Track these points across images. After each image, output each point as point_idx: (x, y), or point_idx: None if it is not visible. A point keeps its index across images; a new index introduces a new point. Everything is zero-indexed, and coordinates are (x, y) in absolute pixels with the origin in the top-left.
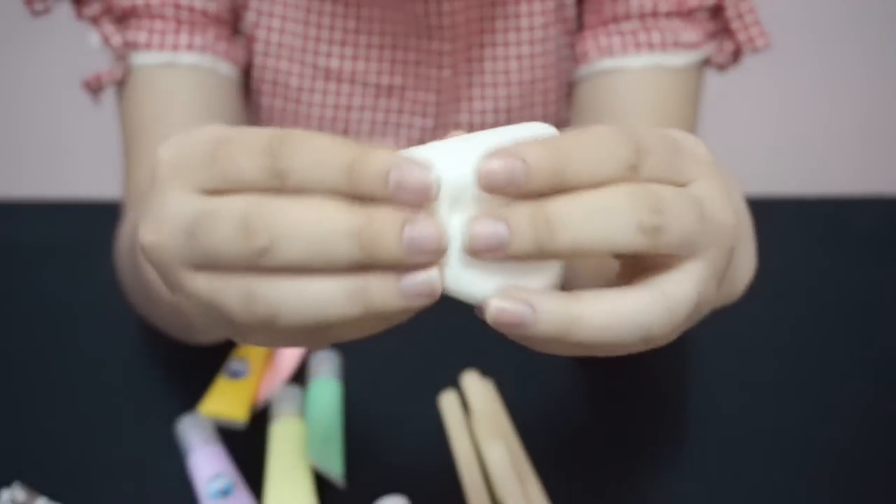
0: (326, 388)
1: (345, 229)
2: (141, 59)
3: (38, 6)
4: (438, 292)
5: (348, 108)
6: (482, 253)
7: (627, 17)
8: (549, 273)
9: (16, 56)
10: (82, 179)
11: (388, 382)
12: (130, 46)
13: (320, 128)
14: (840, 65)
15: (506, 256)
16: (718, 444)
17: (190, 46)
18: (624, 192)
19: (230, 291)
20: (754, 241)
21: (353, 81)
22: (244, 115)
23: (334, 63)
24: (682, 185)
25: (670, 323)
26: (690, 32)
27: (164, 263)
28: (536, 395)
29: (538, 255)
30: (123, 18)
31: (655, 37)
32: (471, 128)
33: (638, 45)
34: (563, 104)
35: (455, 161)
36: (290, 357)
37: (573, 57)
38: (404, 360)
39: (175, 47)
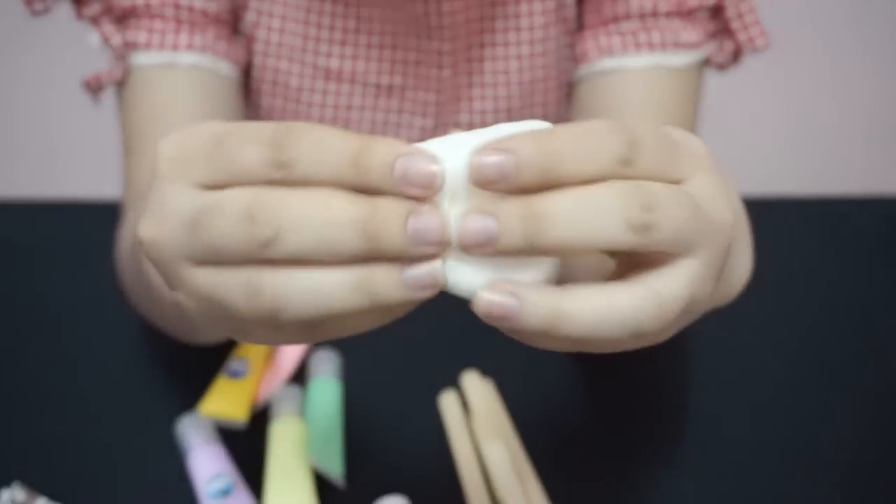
0: (326, 388)
1: (350, 219)
2: (141, 59)
3: (38, 6)
4: (441, 284)
5: (348, 107)
6: (473, 248)
7: (627, 16)
8: (542, 268)
9: (16, 56)
10: (82, 179)
11: (388, 382)
12: (130, 46)
13: None
14: (840, 65)
15: (496, 252)
16: (718, 444)
17: (190, 46)
18: (615, 188)
19: (233, 285)
20: (751, 241)
21: (353, 81)
22: (244, 115)
23: (334, 63)
24: (677, 181)
25: (660, 320)
26: (690, 32)
27: (164, 259)
28: (536, 395)
29: (528, 250)
30: (123, 18)
31: (655, 37)
32: (471, 128)
33: (638, 45)
34: (563, 104)
35: (451, 156)
36: (290, 357)
37: (573, 57)
38: (404, 360)
39: (175, 47)
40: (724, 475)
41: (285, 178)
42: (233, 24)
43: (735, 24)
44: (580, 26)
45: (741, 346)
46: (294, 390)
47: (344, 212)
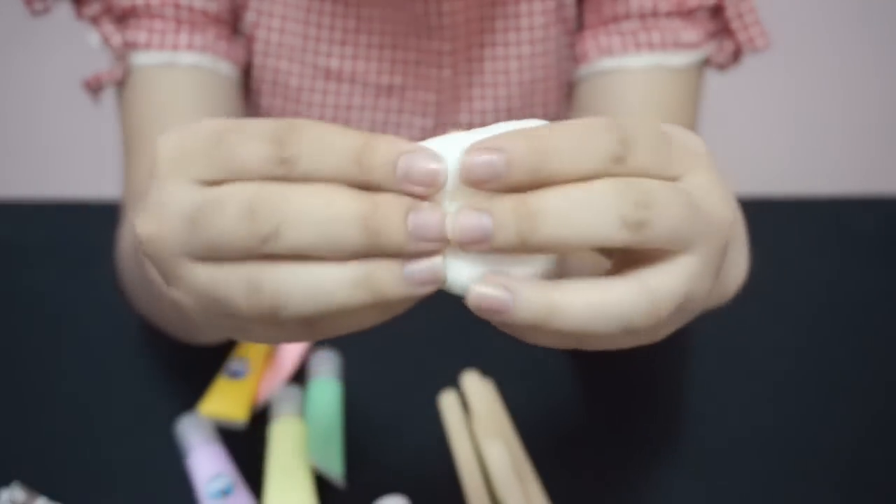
0: (326, 388)
1: (351, 214)
2: (141, 58)
3: (38, 6)
4: (442, 279)
5: (348, 107)
6: (468, 245)
7: (627, 16)
8: (538, 266)
9: (16, 56)
10: (82, 179)
11: (388, 382)
12: (130, 46)
13: None
14: (840, 65)
15: (490, 249)
16: (719, 445)
17: (190, 46)
18: (609, 185)
19: (233, 282)
20: (746, 242)
21: (353, 81)
22: (244, 115)
23: (334, 63)
24: (674, 178)
25: (653, 316)
26: (690, 32)
27: (162, 256)
28: (536, 395)
29: (522, 247)
30: (123, 18)
31: (655, 37)
32: (470, 128)
33: (638, 45)
34: (563, 104)
35: (450, 155)
36: (290, 357)
37: (573, 57)
38: (404, 360)
39: (175, 47)
40: (724, 475)
41: (287, 175)
42: (233, 23)
43: (735, 24)
44: (580, 26)
45: (741, 346)
46: (294, 390)
47: (346, 207)
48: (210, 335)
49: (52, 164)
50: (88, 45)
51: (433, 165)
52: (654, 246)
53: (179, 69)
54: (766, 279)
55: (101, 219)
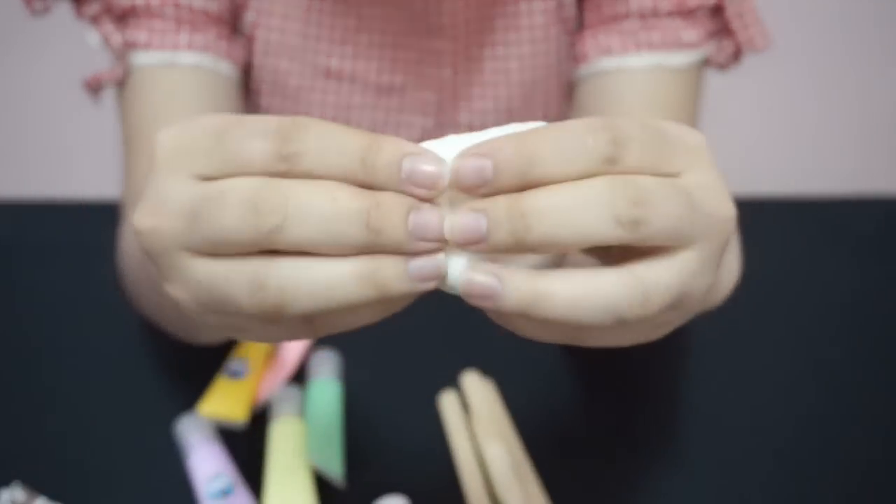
0: (326, 388)
1: (354, 210)
2: (141, 58)
3: (38, 6)
4: (444, 275)
5: (348, 107)
6: (465, 245)
7: (627, 16)
8: (534, 265)
9: (16, 56)
10: (82, 179)
11: (388, 382)
12: (130, 46)
13: None
14: (840, 65)
15: (487, 249)
16: (719, 445)
17: (190, 46)
18: (602, 183)
19: (234, 279)
20: (739, 245)
21: (353, 80)
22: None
23: (334, 62)
24: (671, 174)
25: (643, 307)
26: (691, 32)
27: (161, 249)
28: (536, 395)
29: (517, 247)
30: (123, 18)
31: (655, 36)
32: (471, 127)
33: (638, 45)
34: (563, 104)
35: (448, 157)
36: (290, 357)
37: (573, 57)
38: (404, 360)
39: (175, 47)
40: (724, 475)
41: (289, 171)
42: (233, 23)
43: (735, 24)
44: (580, 26)
45: (740, 346)
46: (294, 390)
47: (349, 203)
48: (212, 334)
49: (52, 164)
50: (88, 45)
51: (436, 168)
52: (651, 243)
53: (179, 69)
54: (766, 279)
55: (101, 219)
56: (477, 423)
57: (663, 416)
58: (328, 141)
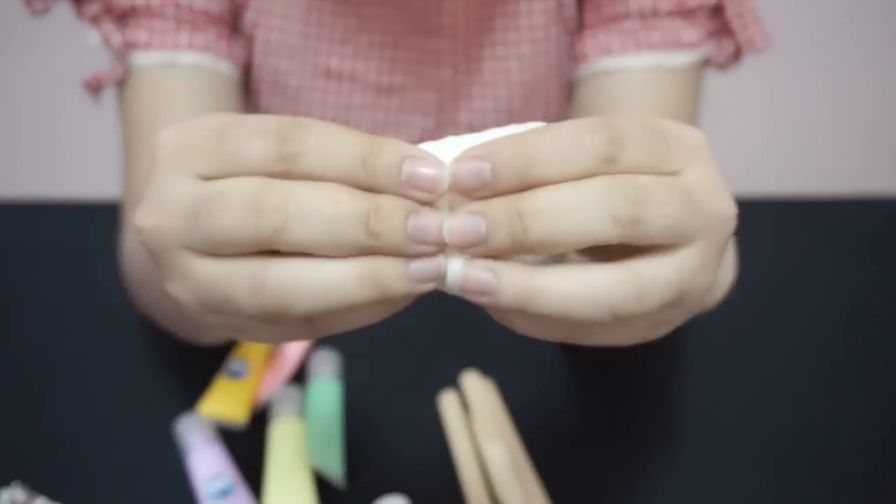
0: (326, 388)
1: (355, 213)
2: (141, 58)
3: (38, 5)
4: (444, 277)
5: (349, 107)
6: (465, 248)
7: (627, 16)
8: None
9: (16, 56)
10: (82, 179)
11: (388, 382)
12: (130, 46)
13: None
14: (840, 64)
15: (486, 251)
16: (719, 445)
17: (190, 46)
18: (599, 183)
19: (235, 280)
20: (734, 248)
21: (353, 80)
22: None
23: (334, 62)
24: (670, 173)
25: (639, 303)
26: (691, 32)
27: (162, 248)
28: (536, 395)
29: (516, 248)
30: (123, 18)
31: (655, 36)
32: (471, 127)
33: (638, 45)
34: (564, 104)
35: (447, 159)
36: (290, 357)
37: (573, 57)
38: (404, 360)
39: (175, 47)
40: (724, 475)
41: (289, 171)
42: (233, 23)
43: (735, 24)
44: (580, 26)
45: (741, 346)
46: (294, 390)
47: (350, 205)
48: (211, 334)
49: (52, 164)
50: (88, 45)
51: (435, 172)
52: (650, 242)
53: (180, 69)
54: (766, 279)
55: (102, 219)
56: (477, 423)
57: (663, 416)
58: (329, 142)
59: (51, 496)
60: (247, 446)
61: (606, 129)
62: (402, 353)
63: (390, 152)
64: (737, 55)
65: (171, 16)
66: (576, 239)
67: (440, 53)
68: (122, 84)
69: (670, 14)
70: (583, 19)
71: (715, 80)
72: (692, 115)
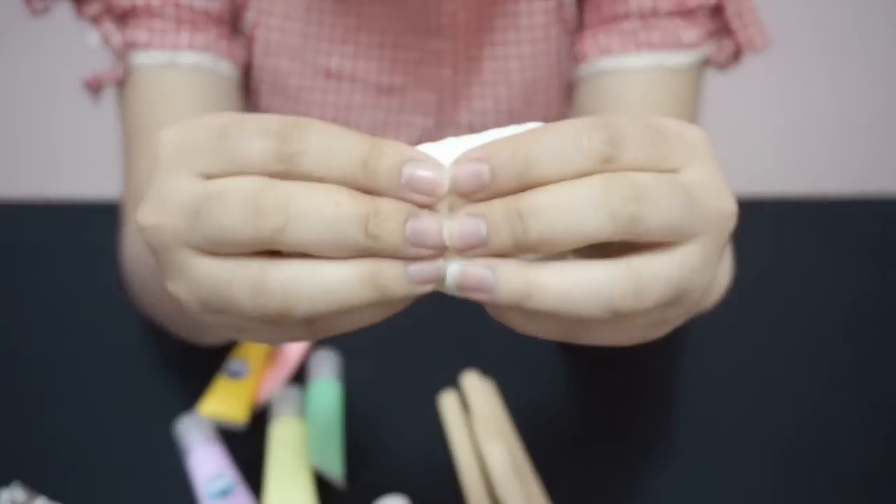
0: (326, 388)
1: (354, 215)
2: (141, 58)
3: (38, 5)
4: (443, 278)
5: (349, 107)
6: (466, 250)
7: (627, 16)
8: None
9: (16, 56)
10: (82, 179)
11: (388, 382)
12: (130, 46)
13: None
14: (840, 64)
15: (487, 252)
16: (719, 445)
17: (190, 46)
18: (597, 182)
19: (236, 282)
20: (731, 250)
21: (353, 80)
22: None
23: (335, 62)
24: (670, 171)
25: (637, 300)
26: (690, 32)
27: (163, 246)
28: (536, 395)
29: (517, 249)
30: (123, 18)
31: (655, 36)
32: (471, 127)
33: (638, 45)
34: (564, 104)
35: (446, 160)
36: (290, 357)
37: (573, 57)
38: (404, 360)
39: (175, 47)
40: (724, 475)
41: (289, 171)
42: (233, 23)
43: (735, 24)
44: (580, 26)
45: (741, 346)
46: (294, 390)
47: (350, 207)
48: (212, 334)
49: (52, 164)
50: (88, 45)
51: (435, 175)
52: (649, 239)
53: (180, 69)
54: (766, 279)
55: (102, 219)
56: (477, 423)
57: (663, 416)
58: (329, 143)
59: (51, 496)
60: (247, 446)
61: (605, 129)
62: (402, 353)
63: (390, 155)
64: (737, 55)
65: (172, 16)
66: (574, 237)
67: (440, 53)
68: (122, 84)
69: (670, 14)
70: (583, 19)
71: (715, 80)
72: (692, 116)
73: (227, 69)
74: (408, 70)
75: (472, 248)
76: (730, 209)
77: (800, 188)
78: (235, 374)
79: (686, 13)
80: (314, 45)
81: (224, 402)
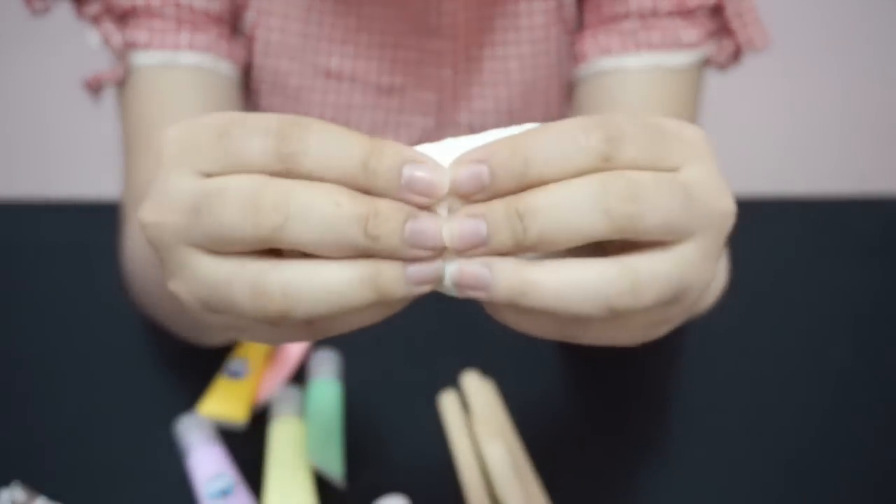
0: (326, 388)
1: (354, 214)
2: (141, 58)
3: (38, 5)
4: (441, 279)
5: (349, 107)
6: (467, 250)
7: (627, 16)
8: None
9: (16, 56)
10: (82, 179)
11: (388, 382)
12: (131, 46)
13: None
14: (840, 64)
15: (488, 252)
16: (719, 446)
17: (191, 46)
18: (594, 181)
19: (236, 282)
20: (727, 254)
21: (353, 80)
22: None
23: (335, 62)
24: (669, 169)
25: (635, 297)
26: (690, 32)
27: (164, 244)
28: (536, 395)
29: (517, 248)
30: (124, 18)
31: (655, 36)
32: (471, 127)
33: (637, 45)
34: (563, 104)
35: (445, 161)
36: (290, 357)
37: (573, 57)
38: (404, 360)
39: (176, 47)
40: (724, 475)
41: (289, 171)
42: (233, 23)
43: (735, 24)
44: (580, 26)
45: (741, 346)
46: (294, 390)
47: (350, 208)
48: (214, 334)
49: (52, 164)
50: (88, 45)
51: (435, 177)
52: (647, 238)
53: (180, 69)
54: (766, 279)
55: (101, 219)
56: (477, 423)
57: (663, 416)
58: (329, 143)
59: (51, 496)
60: (247, 446)
61: (604, 127)
62: (402, 353)
63: (391, 156)
64: (737, 55)
65: (172, 16)
66: (572, 236)
67: (440, 53)
68: (122, 84)
69: (670, 14)
70: (583, 19)
71: (715, 80)
72: (692, 115)
73: (227, 69)
74: (408, 70)
75: (472, 249)
76: (728, 208)
77: (800, 188)
78: (235, 374)
79: (686, 13)
80: (314, 46)
81: (224, 402)
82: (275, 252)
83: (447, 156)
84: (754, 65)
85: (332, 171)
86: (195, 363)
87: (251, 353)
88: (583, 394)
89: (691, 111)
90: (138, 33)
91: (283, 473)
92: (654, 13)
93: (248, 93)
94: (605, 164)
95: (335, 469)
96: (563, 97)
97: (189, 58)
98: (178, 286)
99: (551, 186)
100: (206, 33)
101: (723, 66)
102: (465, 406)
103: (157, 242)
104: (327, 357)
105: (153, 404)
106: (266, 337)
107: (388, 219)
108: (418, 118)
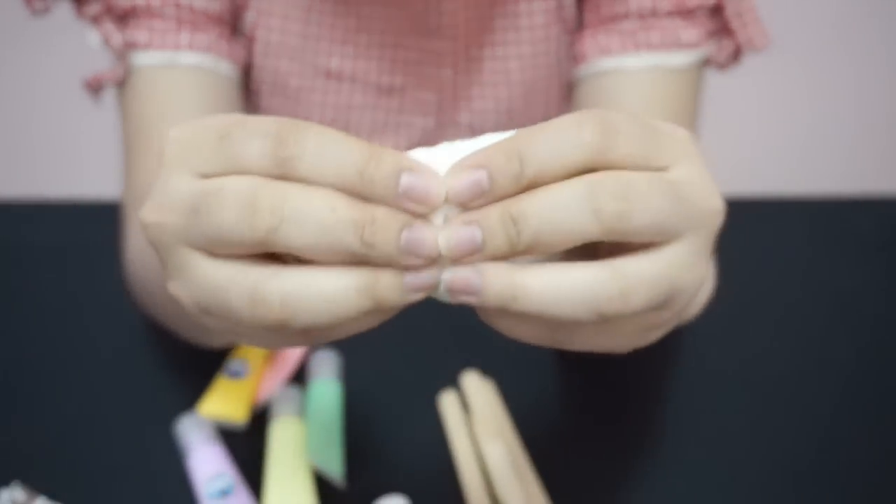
0: (326, 388)
1: (350, 221)
2: (141, 58)
3: (38, 5)
4: (437, 287)
5: (349, 107)
6: (463, 258)
7: (627, 16)
8: None
9: (16, 56)
10: (82, 179)
11: (388, 382)
12: (131, 46)
13: None
14: (840, 64)
15: (483, 258)
16: (718, 446)
17: (191, 46)
18: (584, 181)
19: (235, 290)
20: (714, 261)
21: (353, 81)
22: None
23: (335, 62)
24: (659, 168)
25: (623, 301)
26: (690, 32)
27: (164, 244)
28: (536, 395)
29: (511, 252)
30: (124, 18)
31: (655, 36)
32: (471, 127)
33: (637, 45)
34: (563, 104)
35: (440, 167)
36: (290, 357)
37: (573, 57)
38: (404, 360)
39: (176, 47)
40: (724, 475)
41: (286, 174)
42: (233, 23)
43: (734, 24)
44: (580, 26)
45: (740, 346)
46: (294, 391)
47: (346, 214)
48: (215, 337)
49: (52, 164)
50: (88, 45)
51: (432, 185)
52: (636, 238)
53: (180, 69)
54: (765, 279)
55: (102, 219)
56: (477, 423)
57: (663, 416)
58: (326, 148)
59: (51, 496)
60: (247, 446)
61: (598, 122)
62: (402, 353)
63: (388, 163)
64: (736, 55)
65: (172, 16)
66: (562, 237)
67: (440, 53)
68: (122, 84)
69: (670, 14)
70: (582, 19)
71: (715, 80)
72: (692, 115)
73: (227, 69)
74: (408, 70)
75: (468, 256)
76: (717, 206)
77: (800, 188)
78: (235, 374)
79: (685, 13)
80: (314, 46)
81: (224, 402)
82: (276, 257)
83: (443, 160)
84: (754, 65)
85: (329, 176)
86: (195, 363)
87: (251, 353)
88: (582, 394)
89: (691, 111)
90: (138, 33)
91: (283, 473)
92: (654, 13)
93: (249, 93)
94: (598, 157)
95: (335, 469)
96: (563, 97)
97: (189, 58)
98: (177, 288)
99: (542, 189)
100: (206, 33)
101: (723, 66)
102: (464, 406)
103: (158, 243)
104: (327, 357)
105: (153, 404)
106: (264, 342)
107: (385, 227)
108: (418, 118)
